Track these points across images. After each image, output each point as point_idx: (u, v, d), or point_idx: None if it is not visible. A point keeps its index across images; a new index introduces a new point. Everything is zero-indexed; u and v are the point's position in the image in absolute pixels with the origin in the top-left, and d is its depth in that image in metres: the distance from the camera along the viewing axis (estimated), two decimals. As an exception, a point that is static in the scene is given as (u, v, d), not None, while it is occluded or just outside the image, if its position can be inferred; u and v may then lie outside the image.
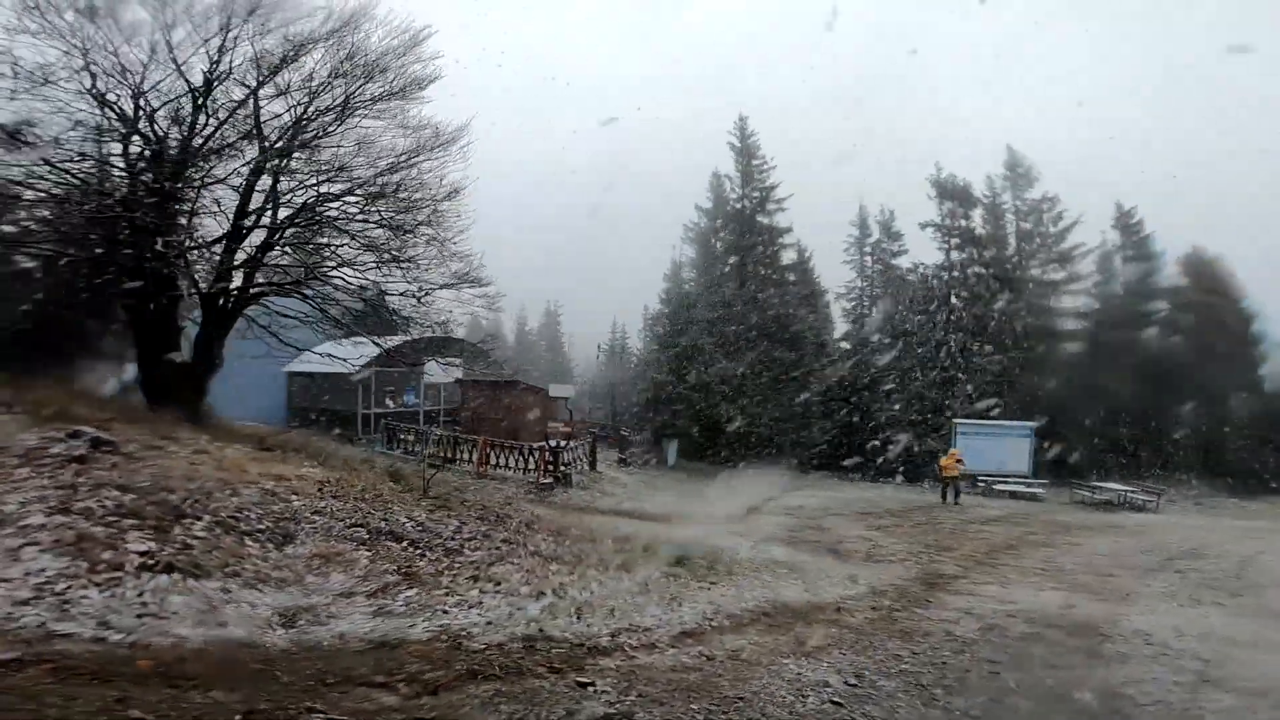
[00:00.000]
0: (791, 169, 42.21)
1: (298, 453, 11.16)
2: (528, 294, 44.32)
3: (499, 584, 5.89)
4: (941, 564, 11.16)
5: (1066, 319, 26.53)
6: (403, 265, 13.67)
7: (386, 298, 14.56)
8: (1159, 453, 24.55)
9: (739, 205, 27.00)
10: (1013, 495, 20.38)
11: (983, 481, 21.05)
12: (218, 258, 13.80)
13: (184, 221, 13.32)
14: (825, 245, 30.31)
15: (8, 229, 12.76)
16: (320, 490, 7.18)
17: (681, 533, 12.64)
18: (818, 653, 5.32)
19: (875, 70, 55.83)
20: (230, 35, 12.43)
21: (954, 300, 24.97)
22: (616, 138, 58.50)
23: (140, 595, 4.31)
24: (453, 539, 6.84)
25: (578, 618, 5.29)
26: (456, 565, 6.13)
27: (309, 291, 14.71)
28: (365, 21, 13.15)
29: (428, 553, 6.25)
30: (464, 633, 4.61)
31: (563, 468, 17.54)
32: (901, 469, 23.29)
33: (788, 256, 27.33)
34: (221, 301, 13.91)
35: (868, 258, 29.73)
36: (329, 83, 13.36)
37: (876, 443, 24.18)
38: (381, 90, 13.69)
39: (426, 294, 13.91)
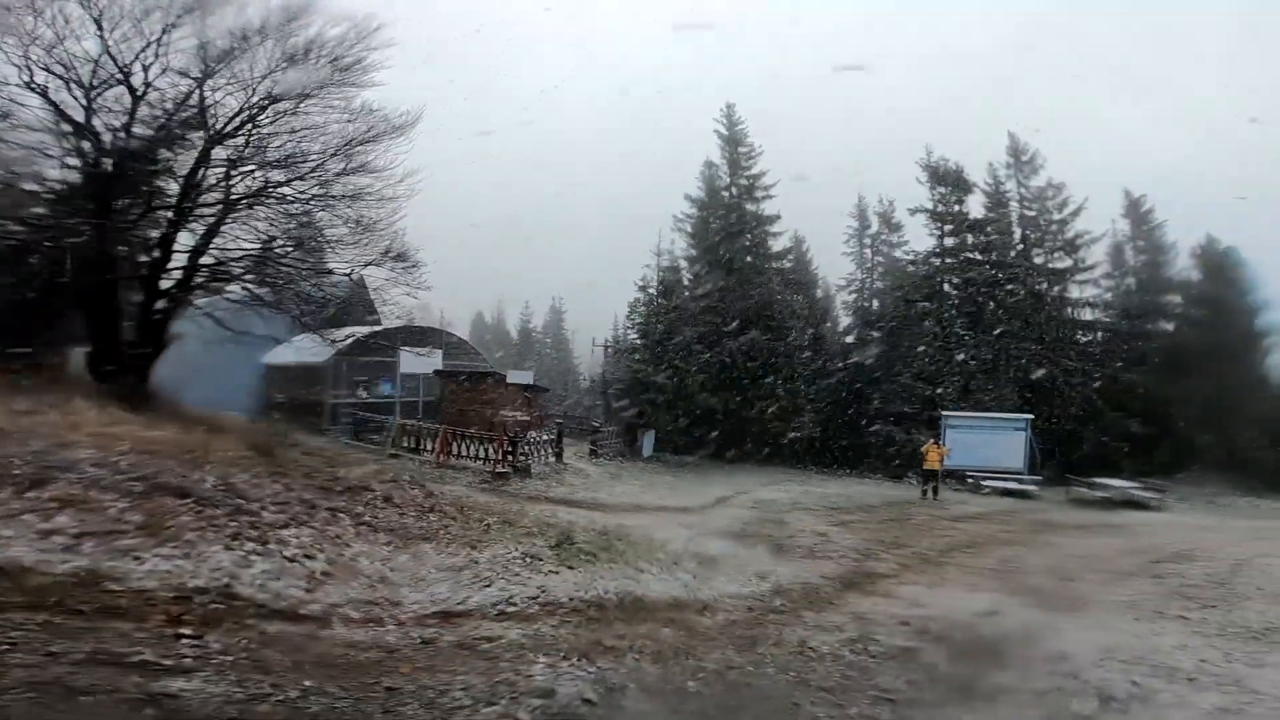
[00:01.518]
0: (792, 161, 41.19)
1: (200, 428, 10.56)
2: (533, 291, 43.48)
3: (266, 545, 5.18)
4: (882, 562, 10.01)
5: (1075, 309, 24.55)
6: (331, 244, 13.15)
7: (319, 278, 13.97)
8: (1172, 449, 22.47)
9: (725, 193, 25.77)
10: (1004, 492, 18.69)
11: (972, 477, 19.40)
12: (154, 241, 13.46)
13: (124, 206, 12.99)
14: (827, 238, 29.01)
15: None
16: (133, 448, 6.41)
17: (617, 521, 11.68)
18: (600, 655, 4.31)
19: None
20: (170, 29, 12.11)
21: (947, 288, 23.26)
22: (617, 137, 57.14)
23: None
24: (256, 502, 6.04)
25: (306, 583, 4.64)
26: (231, 525, 5.39)
27: (249, 277, 14.35)
28: (310, 14, 12.74)
29: (206, 510, 5.52)
30: (117, 576, 4.06)
31: (521, 458, 16.56)
32: (889, 463, 21.69)
33: (778, 245, 26.01)
34: (162, 286, 13.54)
35: (867, 249, 28.24)
36: (275, 73, 12.95)
37: (866, 436, 22.65)
38: (326, 79, 13.33)
39: (352, 271, 13.34)
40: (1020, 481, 19.22)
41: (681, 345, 21.79)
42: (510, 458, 16.31)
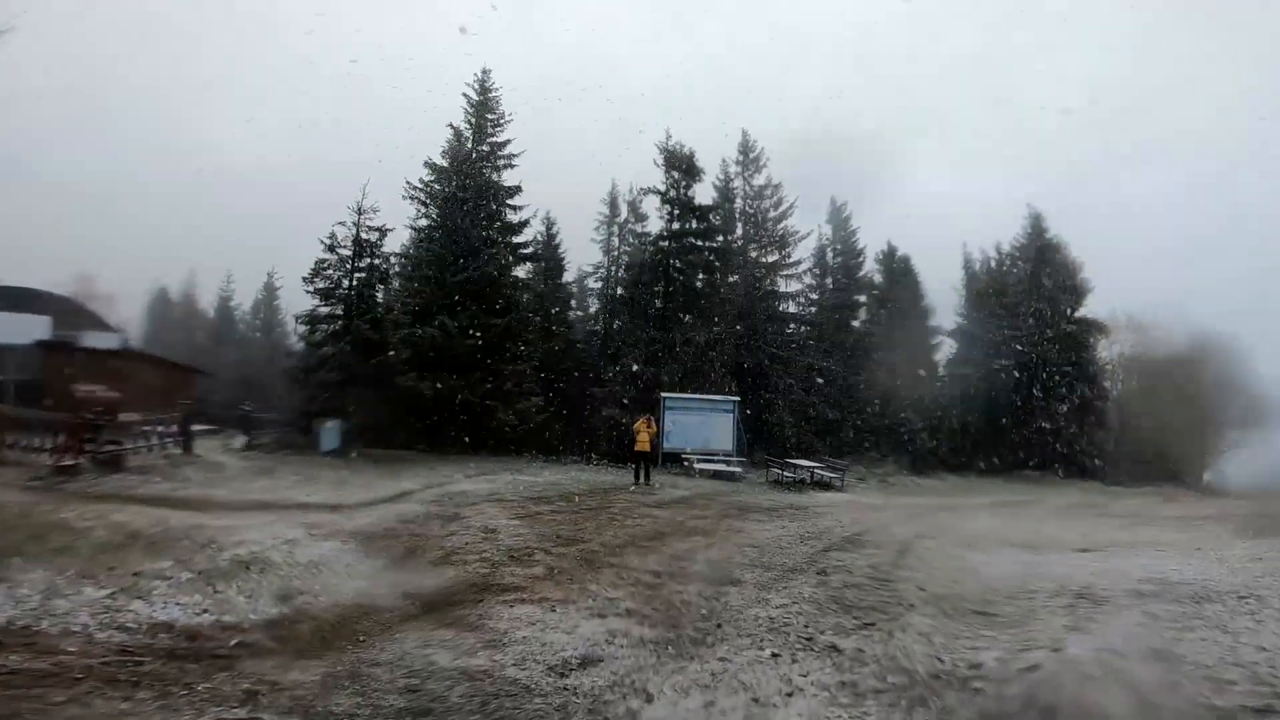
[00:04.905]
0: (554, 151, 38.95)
1: None
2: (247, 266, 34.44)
3: None
4: (528, 567, 7.46)
5: (783, 302, 25.21)
6: None
7: None
8: (856, 432, 23.96)
9: (467, 160, 22.14)
10: (714, 474, 17.75)
11: (687, 459, 18.25)
12: None
13: None
14: (580, 227, 26.98)
15: None
16: None
17: (195, 522, 7.91)
18: None
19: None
20: None
21: (672, 272, 22.29)
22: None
23: None
24: None
25: None
26: None
27: None
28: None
29: None
30: None
31: (107, 447, 11.49)
32: (615, 447, 19.91)
33: (517, 217, 22.83)
34: None
35: (614, 237, 26.59)
36: None
37: (593, 421, 20.69)
38: None
39: None
40: (729, 463, 18.50)
41: (381, 316, 17.63)
42: (86, 447, 11.18)
